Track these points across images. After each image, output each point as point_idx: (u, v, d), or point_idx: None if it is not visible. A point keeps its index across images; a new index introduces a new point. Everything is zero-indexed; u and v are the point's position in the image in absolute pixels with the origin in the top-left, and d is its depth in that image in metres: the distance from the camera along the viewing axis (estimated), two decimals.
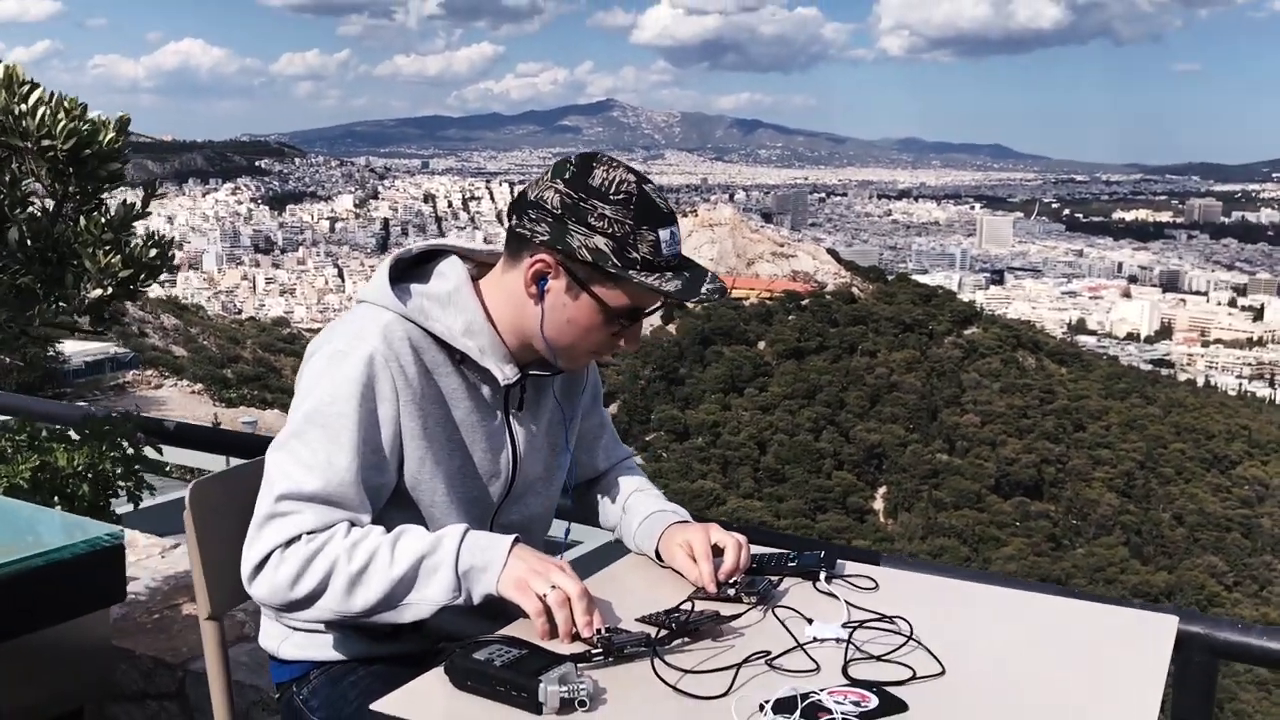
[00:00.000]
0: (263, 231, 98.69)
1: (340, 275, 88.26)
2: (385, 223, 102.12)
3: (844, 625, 1.65)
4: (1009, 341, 75.46)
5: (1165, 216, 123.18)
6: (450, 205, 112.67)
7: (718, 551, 1.85)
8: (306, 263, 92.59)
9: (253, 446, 3.58)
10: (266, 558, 1.68)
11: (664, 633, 1.60)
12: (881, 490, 67.19)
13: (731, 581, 1.79)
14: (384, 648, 1.85)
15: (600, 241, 1.70)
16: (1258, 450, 63.99)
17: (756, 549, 1.98)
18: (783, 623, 1.68)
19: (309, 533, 1.68)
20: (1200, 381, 77.32)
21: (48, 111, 2.27)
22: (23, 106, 2.27)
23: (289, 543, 1.68)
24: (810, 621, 1.68)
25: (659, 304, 1.80)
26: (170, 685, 3.01)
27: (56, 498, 2.37)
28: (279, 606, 1.71)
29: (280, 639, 1.92)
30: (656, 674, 1.49)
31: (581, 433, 2.11)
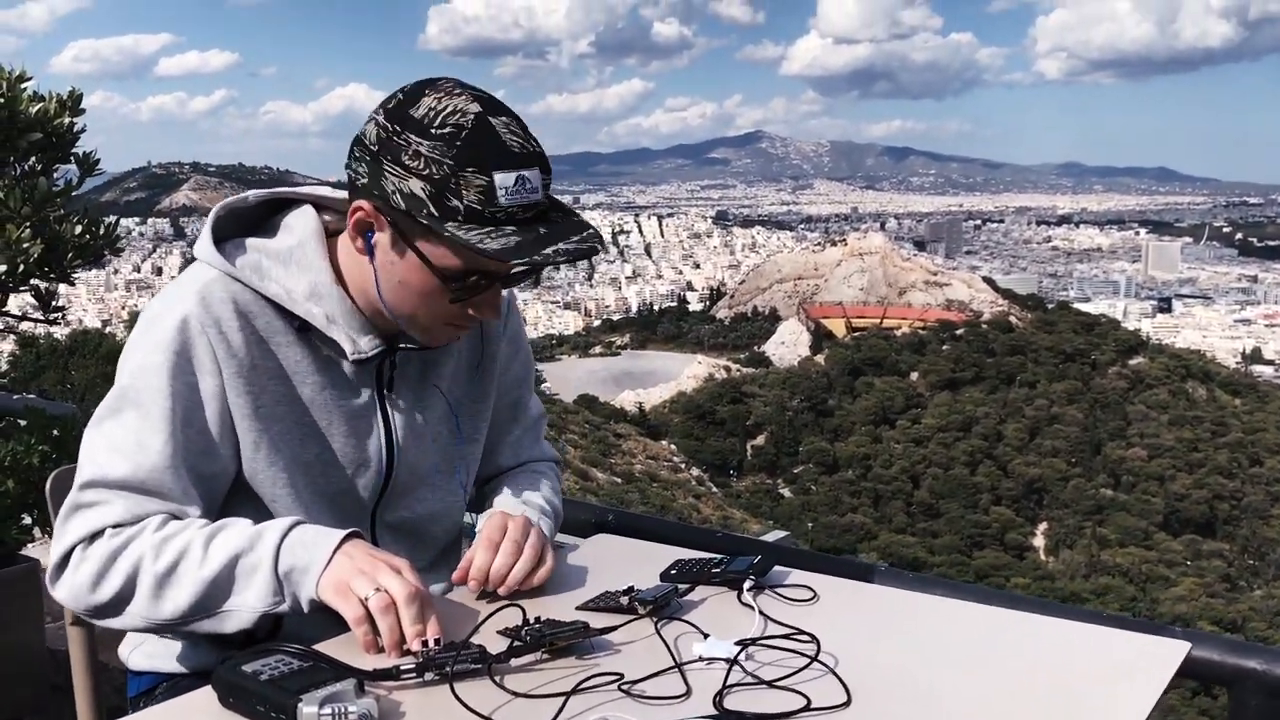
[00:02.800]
0: None
1: None
2: None
3: (737, 643, 1.31)
4: (1178, 372, 72.15)
5: None
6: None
7: None
8: None
9: None
10: (68, 555, 1.43)
11: (516, 645, 1.29)
12: (1042, 527, 64.82)
13: (626, 588, 1.47)
14: None
15: (416, 185, 1.37)
16: None
17: (687, 553, 1.66)
18: (664, 640, 1.34)
19: (115, 526, 1.42)
20: None
21: None
22: None
23: (93, 538, 1.42)
24: (706, 637, 1.34)
25: (516, 268, 1.44)
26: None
27: None
28: (85, 613, 1.45)
29: (132, 646, 1.67)
30: (458, 698, 1.17)
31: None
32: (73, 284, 2.45)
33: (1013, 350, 75.19)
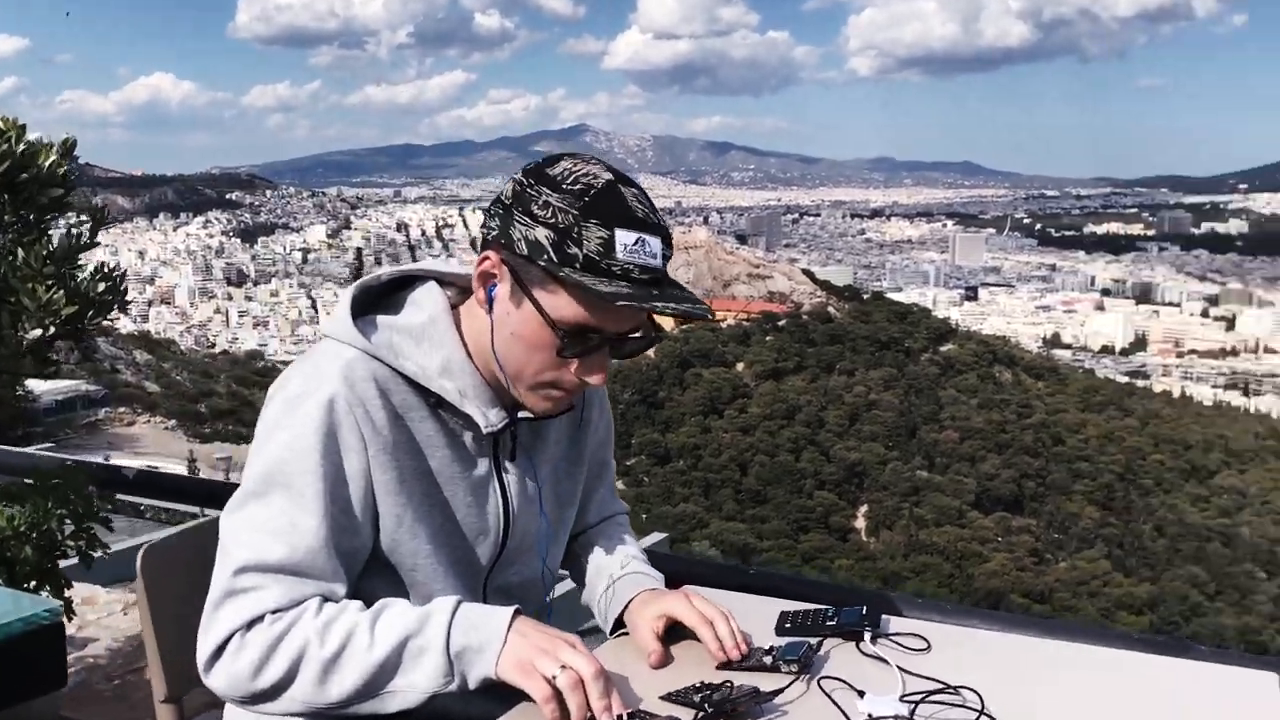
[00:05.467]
0: (235, 264, 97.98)
1: (314, 306, 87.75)
2: (358, 252, 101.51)
3: (901, 699, 1.42)
4: (985, 357, 75.66)
5: (1136, 229, 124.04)
6: (424, 233, 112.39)
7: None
8: (280, 295, 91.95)
9: (220, 495, 3.32)
10: (225, 643, 1.44)
11: (702, 716, 1.37)
12: (863, 509, 67.05)
13: (768, 648, 1.56)
14: None
15: (541, 233, 1.43)
16: (1235, 459, 64.27)
17: (788, 604, 1.76)
18: (829, 695, 1.45)
19: (274, 611, 1.44)
20: (1176, 392, 77.63)
21: None
22: None
23: (250, 624, 1.44)
24: (861, 695, 1.45)
25: (629, 328, 1.50)
26: None
27: None
28: (242, 698, 1.46)
29: None
30: None
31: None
32: (83, 341, 2.37)
33: (832, 339, 77.53)
